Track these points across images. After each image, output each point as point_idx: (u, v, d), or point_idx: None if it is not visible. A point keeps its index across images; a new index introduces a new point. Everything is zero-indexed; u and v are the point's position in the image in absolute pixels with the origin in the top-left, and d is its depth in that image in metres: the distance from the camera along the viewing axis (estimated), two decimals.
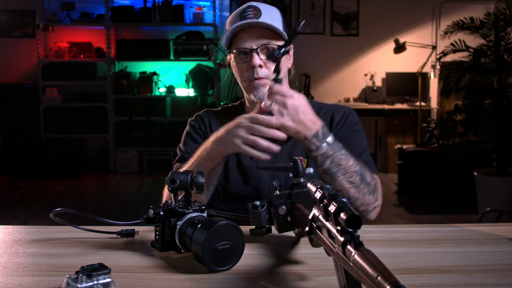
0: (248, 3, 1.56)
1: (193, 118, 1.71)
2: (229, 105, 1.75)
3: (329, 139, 1.39)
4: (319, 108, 1.61)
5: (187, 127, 1.69)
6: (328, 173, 1.40)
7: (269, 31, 1.53)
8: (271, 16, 1.54)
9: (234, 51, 1.56)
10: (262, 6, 1.54)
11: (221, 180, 1.57)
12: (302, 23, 1.31)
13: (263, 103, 1.36)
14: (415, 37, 6.48)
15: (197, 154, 1.49)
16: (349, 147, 1.45)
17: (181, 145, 1.67)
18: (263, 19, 1.51)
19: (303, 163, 1.52)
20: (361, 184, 1.42)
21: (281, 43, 1.52)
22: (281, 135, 1.34)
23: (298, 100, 1.35)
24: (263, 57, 1.53)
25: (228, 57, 1.64)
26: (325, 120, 1.47)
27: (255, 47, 1.52)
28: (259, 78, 1.53)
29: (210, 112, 1.71)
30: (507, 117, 4.45)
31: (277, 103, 1.34)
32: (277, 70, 1.36)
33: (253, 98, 1.57)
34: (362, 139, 1.60)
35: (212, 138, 1.45)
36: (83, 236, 1.33)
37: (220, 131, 1.42)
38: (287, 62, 1.59)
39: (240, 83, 1.62)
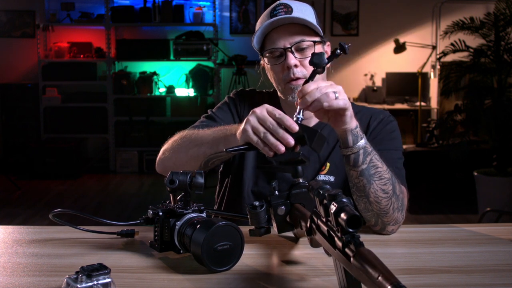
0: (279, 1, 1.47)
1: (237, 91, 1.63)
2: (271, 90, 1.63)
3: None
4: (357, 111, 1.52)
5: (226, 99, 1.62)
6: (364, 175, 1.29)
7: (302, 28, 1.44)
8: (303, 12, 1.45)
9: (267, 54, 1.47)
10: (293, 3, 1.46)
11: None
12: (348, 45, 1.22)
13: (297, 101, 1.22)
14: (415, 37, 6.48)
15: (220, 128, 1.38)
16: (383, 154, 1.37)
17: (214, 108, 1.61)
18: (295, 15, 1.43)
19: (324, 168, 1.52)
20: (393, 196, 1.32)
21: (316, 39, 1.46)
22: (290, 140, 1.17)
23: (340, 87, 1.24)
24: (298, 55, 1.44)
25: (261, 61, 1.55)
26: (362, 124, 1.40)
27: (289, 46, 1.43)
28: (296, 79, 1.43)
29: (255, 93, 1.63)
30: (507, 117, 4.44)
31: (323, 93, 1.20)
32: (312, 78, 1.26)
33: (290, 100, 1.46)
34: (397, 148, 1.50)
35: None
36: (83, 237, 1.32)
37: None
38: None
39: (276, 87, 1.53)
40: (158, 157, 1.52)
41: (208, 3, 6.59)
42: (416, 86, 6.20)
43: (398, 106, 6.41)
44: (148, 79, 6.54)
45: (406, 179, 1.46)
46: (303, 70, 1.44)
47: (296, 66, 1.44)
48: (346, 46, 1.22)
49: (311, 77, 1.26)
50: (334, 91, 1.21)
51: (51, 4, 6.64)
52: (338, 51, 1.23)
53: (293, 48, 1.44)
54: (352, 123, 1.27)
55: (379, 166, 1.30)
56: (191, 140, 1.43)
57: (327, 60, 1.24)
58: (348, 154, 1.29)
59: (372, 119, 1.54)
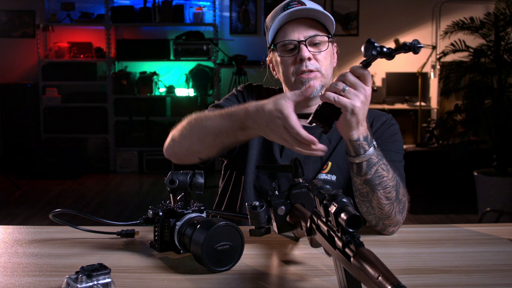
0: None
1: (245, 85, 1.61)
2: (277, 88, 1.62)
3: (375, 143, 1.27)
4: None
5: (234, 91, 1.60)
6: (369, 184, 1.26)
7: (316, 24, 1.46)
8: (317, 6, 1.46)
9: (280, 46, 1.46)
10: (306, 0, 1.48)
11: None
12: (420, 46, 1.06)
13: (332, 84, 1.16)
14: (415, 37, 6.46)
15: (230, 109, 1.29)
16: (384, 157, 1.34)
17: (221, 100, 1.57)
18: (311, 7, 1.44)
19: (325, 167, 1.52)
20: (395, 201, 1.30)
21: (326, 34, 1.46)
22: (321, 147, 1.13)
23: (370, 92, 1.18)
24: (311, 49, 1.44)
25: (268, 57, 1.55)
26: None
27: (303, 39, 1.44)
28: (309, 71, 1.43)
29: (262, 88, 1.62)
30: (507, 117, 4.44)
31: (358, 86, 1.15)
32: (369, 64, 1.16)
33: None
34: (398, 151, 1.49)
35: (254, 104, 1.21)
36: (83, 237, 1.32)
37: (264, 104, 1.17)
38: (332, 61, 1.51)
39: (284, 82, 1.51)
40: (166, 142, 1.46)
41: (208, 3, 6.59)
42: (416, 86, 6.20)
43: (398, 106, 6.41)
44: (148, 79, 6.54)
45: (405, 182, 1.45)
46: (316, 63, 1.44)
47: (309, 59, 1.44)
48: (418, 45, 1.06)
49: (367, 62, 1.16)
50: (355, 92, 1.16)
51: (51, 4, 6.64)
52: (407, 46, 1.06)
53: (307, 42, 1.44)
54: (354, 134, 1.21)
55: (385, 175, 1.27)
56: (200, 128, 1.34)
57: (388, 51, 1.11)
58: (351, 162, 1.27)
59: (375, 120, 1.54)
